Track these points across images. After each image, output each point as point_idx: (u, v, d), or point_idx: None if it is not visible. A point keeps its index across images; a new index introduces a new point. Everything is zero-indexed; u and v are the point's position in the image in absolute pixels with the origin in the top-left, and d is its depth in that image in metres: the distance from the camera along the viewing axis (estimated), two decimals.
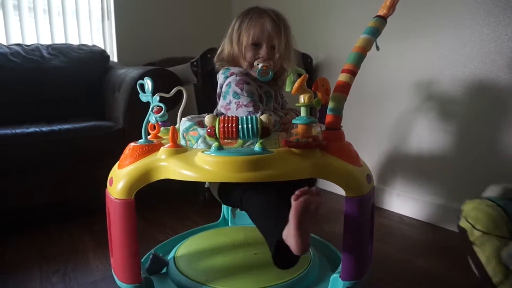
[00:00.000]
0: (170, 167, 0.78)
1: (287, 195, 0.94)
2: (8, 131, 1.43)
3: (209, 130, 0.74)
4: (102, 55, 2.05)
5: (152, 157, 0.83)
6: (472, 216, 0.91)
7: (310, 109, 0.82)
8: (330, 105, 0.84)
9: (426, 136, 1.53)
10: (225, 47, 1.04)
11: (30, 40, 2.04)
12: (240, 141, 0.84)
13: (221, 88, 1.02)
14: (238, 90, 0.95)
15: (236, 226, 1.31)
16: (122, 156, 0.88)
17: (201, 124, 0.94)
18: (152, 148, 0.85)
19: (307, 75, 0.81)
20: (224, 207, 1.35)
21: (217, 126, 0.73)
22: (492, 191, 0.99)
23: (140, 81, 0.89)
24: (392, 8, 0.88)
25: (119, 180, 0.81)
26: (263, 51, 0.98)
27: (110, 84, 1.84)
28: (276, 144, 0.85)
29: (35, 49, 1.90)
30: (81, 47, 2.03)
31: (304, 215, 0.64)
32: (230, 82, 0.98)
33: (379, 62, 1.62)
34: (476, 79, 1.35)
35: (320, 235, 1.22)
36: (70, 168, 1.55)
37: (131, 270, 0.83)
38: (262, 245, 0.86)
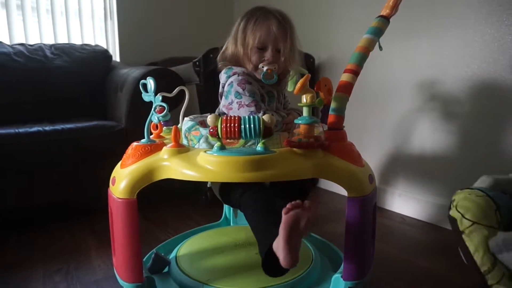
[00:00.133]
0: (172, 166, 0.78)
1: (287, 195, 0.95)
2: (11, 131, 1.43)
3: (211, 130, 0.74)
4: (104, 54, 2.05)
5: (154, 156, 0.83)
6: (462, 205, 0.92)
7: (312, 109, 0.82)
8: (333, 105, 0.84)
9: (429, 136, 1.53)
10: (229, 47, 1.04)
11: (33, 39, 2.05)
12: (241, 141, 0.84)
13: (223, 87, 1.02)
14: (240, 90, 0.95)
15: (238, 226, 1.31)
16: (124, 156, 0.88)
17: (203, 124, 0.94)
18: (154, 147, 0.85)
19: (310, 75, 0.81)
20: (226, 206, 1.35)
21: (219, 126, 0.73)
22: (482, 182, 1.00)
23: (142, 81, 0.89)
24: (395, 8, 0.88)
25: (122, 179, 0.82)
26: (268, 54, 0.97)
27: (112, 84, 1.85)
28: (278, 144, 0.85)
29: (38, 49, 1.91)
30: (84, 47, 2.04)
31: (293, 230, 0.64)
32: (232, 82, 0.98)
33: (382, 62, 1.62)
34: (479, 79, 1.34)
35: (321, 235, 1.22)
36: (72, 168, 1.56)
37: (133, 269, 0.83)
38: None
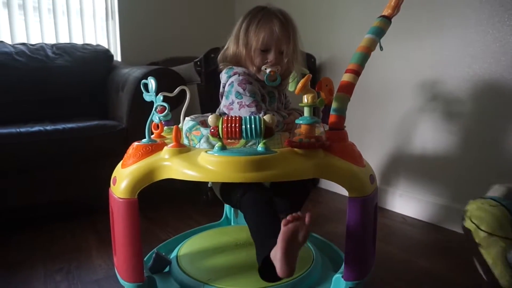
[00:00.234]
0: (173, 166, 0.78)
1: (288, 196, 0.95)
2: (12, 130, 1.44)
3: (212, 130, 0.74)
4: (106, 54, 2.05)
5: (155, 156, 0.83)
6: (477, 216, 0.91)
7: (314, 109, 0.81)
8: (334, 105, 0.84)
9: (430, 136, 1.53)
10: (230, 47, 1.03)
11: (35, 39, 2.05)
12: (242, 141, 0.84)
13: (223, 87, 1.02)
14: (241, 90, 0.95)
15: (239, 226, 1.31)
16: (125, 156, 0.88)
17: (204, 124, 0.94)
18: (155, 147, 0.85)
19: (311, 75, 0.81)
20: (226, 206, 1.35)
21: (220, 126, 0.73)
22: (495, 191, 0.99)
23: (143, 81, 0.89)
24: (396, 8, 0.87)
25: (123, 179, 0.82)
26: (271, 56, 0.97)
27: (113, 84, 1.85)
28: (279, 144, 0.85)
29: (40, 49, 1.91)
30: (85, 46, 2.04)
31: (291, 242, 0.66)
32: (232, 82, 0.97)
33: (383, 62, 1.62)
34: (480, 79, 1.34)
35: (322, 235, 1.22)
36: (73, 167, 1.56)
37: (134, 269, 0.83)
38: None
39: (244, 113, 0.92)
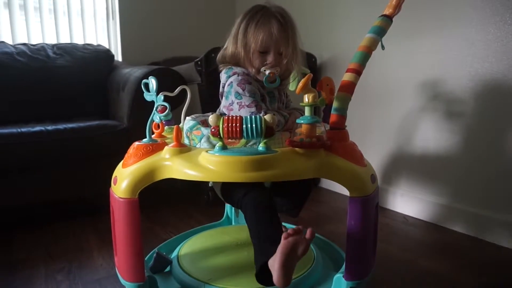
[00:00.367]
0: (174, 166, 0.78)
1: (289, 195, 0.95)
2: (13, 130, 1.44)
3: (213, 130, 0.74)
4: (106, 54, 2.05)
5: (156, 156, 0.83)
6: None
7: (314, 108, 0.81)
8: (335, 104, 0.84)
9: (431, 135, 1.52)
10: (229, 47, 1.03)
11: (35, 39, 2.05)
12: (243, 140, 0.84)
13: (223, 87, 1.02)
14: (240, 90, 0.95)
15: (240, 225, 1.31)
16: (126, 155, 0.88)
17: (205, 124, 0.94)
18: (156, 147, 0.85)
19: (312, 75, 0.81)
20: (227, 206, 1.35)
21: (221, 126, 0.73)
22: None
23: (144, 80, 0.89)
24: (398, 7, 0.87)
25: (123, 179, 0.82)
26: (270, 58, 0.96)
27: (114, 84, 1.85)
28: (280, 144, 0.84)
29: (41, 49, 1.92)
30: (86, 46, 2.04)
31: (290, 256, 0.67)
32: (232, 82, 0.97)
33: (385, 61, 1.61)
34: (482, 78, 1.34)
35: (323, 234, 1.21)
36: (74, 167, 1.56)
37: (134, 268, 0.83)
38: None
39: (244, 113, 0.92)
